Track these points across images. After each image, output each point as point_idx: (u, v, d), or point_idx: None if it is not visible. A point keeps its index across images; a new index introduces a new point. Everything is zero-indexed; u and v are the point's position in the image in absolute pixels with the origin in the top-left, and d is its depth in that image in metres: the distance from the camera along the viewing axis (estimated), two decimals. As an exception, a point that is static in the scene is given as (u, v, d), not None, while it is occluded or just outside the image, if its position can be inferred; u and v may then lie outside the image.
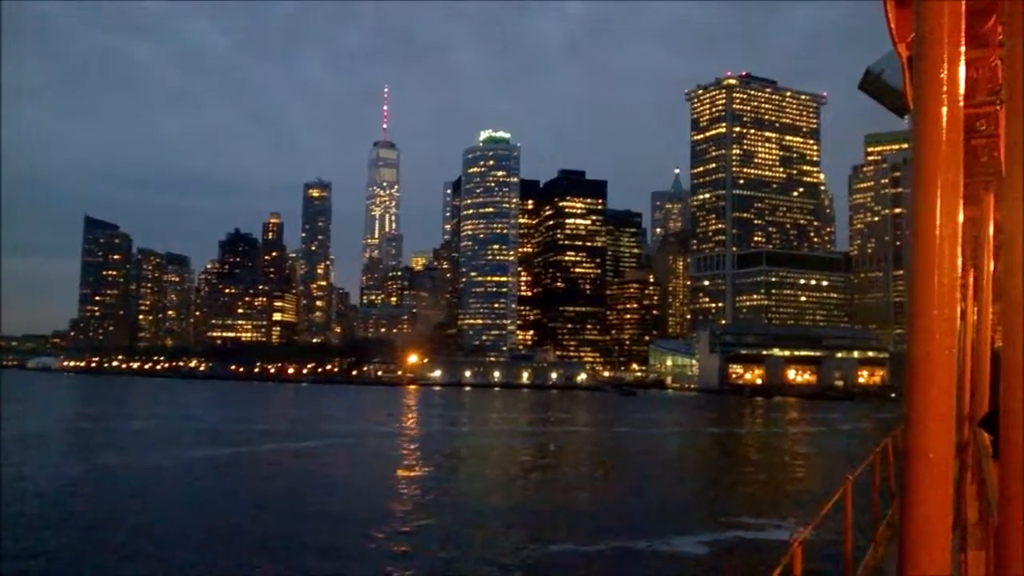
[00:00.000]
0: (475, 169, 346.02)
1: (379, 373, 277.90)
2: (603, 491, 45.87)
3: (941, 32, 2.45)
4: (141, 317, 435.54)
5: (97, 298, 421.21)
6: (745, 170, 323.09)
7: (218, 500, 39.77)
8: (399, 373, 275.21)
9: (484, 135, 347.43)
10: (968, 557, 6.80)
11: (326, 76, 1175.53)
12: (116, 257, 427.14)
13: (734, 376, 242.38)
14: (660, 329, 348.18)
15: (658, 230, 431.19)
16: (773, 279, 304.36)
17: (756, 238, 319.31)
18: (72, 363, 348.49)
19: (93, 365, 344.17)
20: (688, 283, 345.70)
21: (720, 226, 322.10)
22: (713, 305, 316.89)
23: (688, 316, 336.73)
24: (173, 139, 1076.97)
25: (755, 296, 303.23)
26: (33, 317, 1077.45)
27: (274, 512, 36.10)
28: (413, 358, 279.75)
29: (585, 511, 38.42)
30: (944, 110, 2.46)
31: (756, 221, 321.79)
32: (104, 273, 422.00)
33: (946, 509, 2.51)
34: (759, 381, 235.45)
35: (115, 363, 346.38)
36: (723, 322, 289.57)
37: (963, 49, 2.52)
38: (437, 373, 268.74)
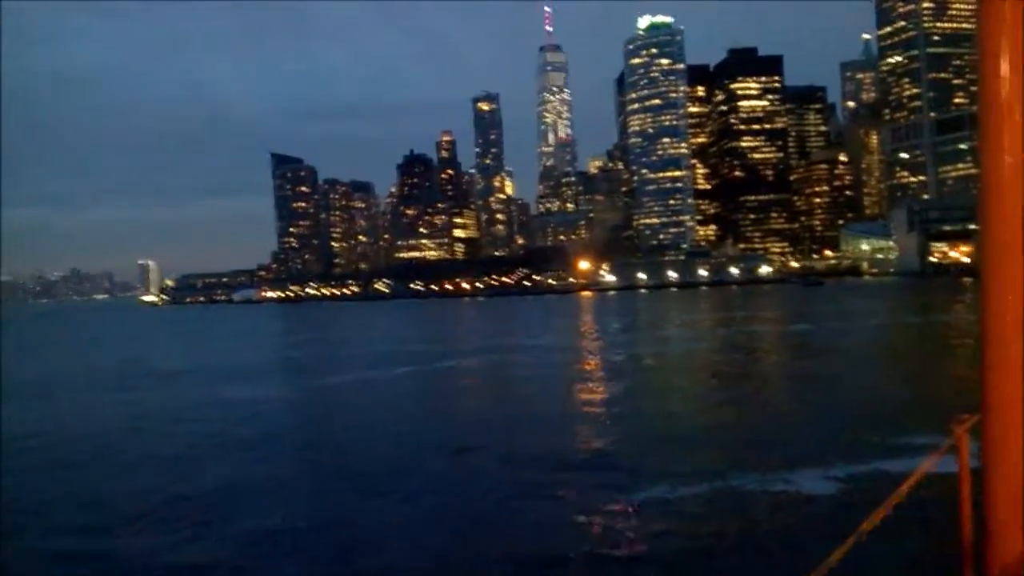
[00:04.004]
0: (637, 60, 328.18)
1: (551, 282, 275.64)
2: (746, 408, 39.27)
3: None
4: (335, 244, 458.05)
5: (292, 230, 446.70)
6: (939, 25, 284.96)
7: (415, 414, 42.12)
8: (571, 280, 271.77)
9: (644, 23, 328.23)
10: None
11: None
12: (304, 189, 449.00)
13: (938, 256, 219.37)
14: (855, 211, 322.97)
15: (850, 104, 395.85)
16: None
17: (957, 100, 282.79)
18: (272, 293, 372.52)
19: (290, 295, 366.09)
20: (883, 158, 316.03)
21: (915, 91, 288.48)
22: (913, 179, 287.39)
23: (886, 194, 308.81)
24: (340, 70, 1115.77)
25: (960, 165, 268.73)
26: (244, 252, 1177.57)
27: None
28: (584, 264, 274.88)
29: (714, 437, 32.43)
30: None
31: (956, 81, 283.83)
32: (295, 206, 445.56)
33: None
34: (967, 260, 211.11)
35: (309, 291, 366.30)
36: (925, 197, 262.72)
37: None
38: (610, 277, 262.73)
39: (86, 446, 36.26)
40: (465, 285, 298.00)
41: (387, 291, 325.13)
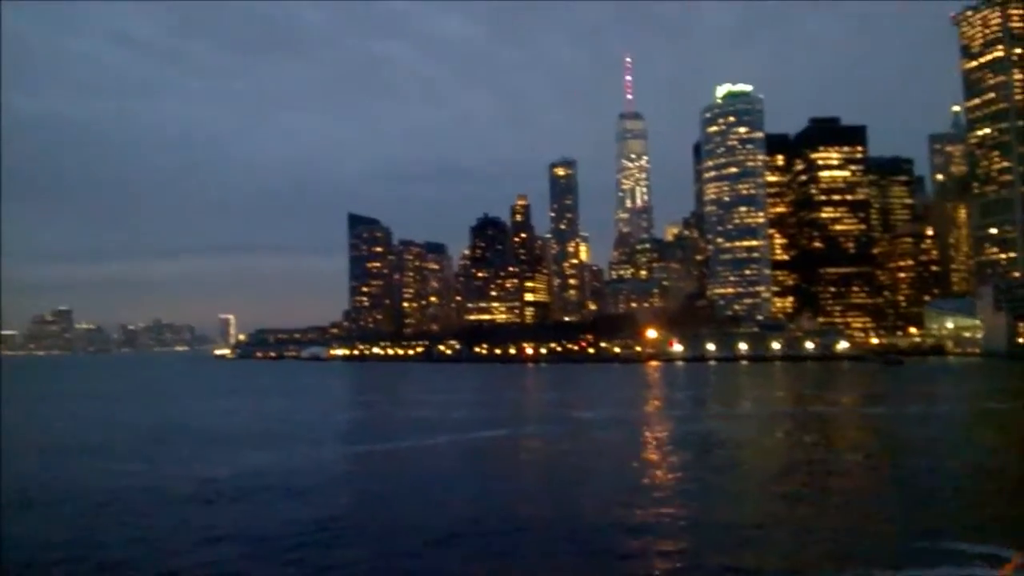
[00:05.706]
0: (714, 128, 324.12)
1: (616, 350, 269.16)
2: (802, 503, 34.72)
3: None
4: (406, 304, 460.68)
5: (364, 289, 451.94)
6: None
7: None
8: (638, 349, 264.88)
9: (722, 91, 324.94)
10: None
11: (568, 52, 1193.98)
12: (378, 250, 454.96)
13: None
14: (941, 287, 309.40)
15: (939, 176, 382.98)
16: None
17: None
18: (340, 351, 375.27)
19: (357, 353, 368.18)
20: (972, 233, 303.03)
21: (1005, 164, 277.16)
22: (1002, 256, 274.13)
23: (974, 271, 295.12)
24: (422, 131, 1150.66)
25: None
26: (321, 309, 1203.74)
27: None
28: (652, 333, 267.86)
29: (757, 533, 28.39)
30: None
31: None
32: (368, 265, 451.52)
33: None
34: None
35: (376, 350, 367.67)
36: (1015, 275, 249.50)
37: None
38: (678, 348, 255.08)
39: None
40: (529, 350, 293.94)
41: (450, 353, 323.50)
